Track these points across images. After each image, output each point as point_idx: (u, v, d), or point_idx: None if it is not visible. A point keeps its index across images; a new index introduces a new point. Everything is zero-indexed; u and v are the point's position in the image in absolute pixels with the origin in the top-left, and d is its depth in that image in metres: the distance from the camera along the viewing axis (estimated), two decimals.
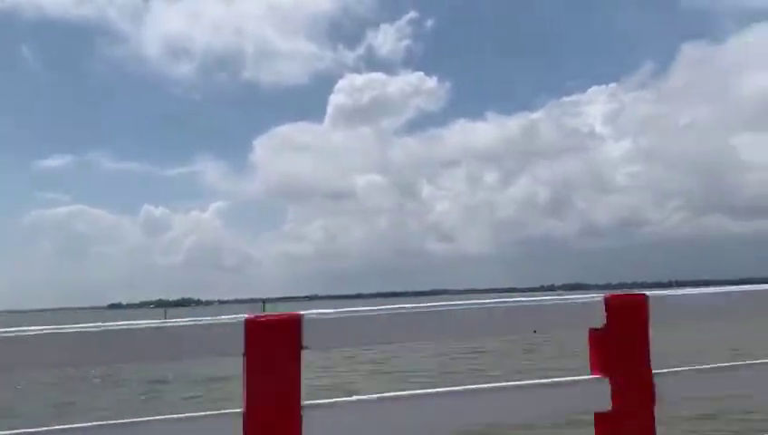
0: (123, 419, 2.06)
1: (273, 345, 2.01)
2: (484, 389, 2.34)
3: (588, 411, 2.44)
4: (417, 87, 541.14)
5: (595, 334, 2.52)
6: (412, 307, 2.26)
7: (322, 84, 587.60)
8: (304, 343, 2.03)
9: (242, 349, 2.00)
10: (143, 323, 2.17)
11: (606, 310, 2.49)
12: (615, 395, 2.43)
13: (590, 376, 2.47)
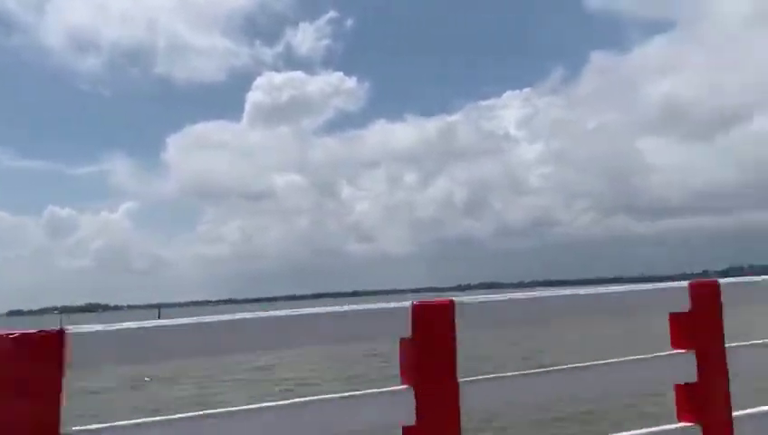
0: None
1: (27, 363, 1.77)
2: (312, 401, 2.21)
3: (394, 425, 2.31)
4: (337, 87, 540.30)
5: (403, 343, 2.45)
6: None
7: (239, 82, 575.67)
8: (69, 360, 1.80)
9: None
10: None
11: (412, 318, 2.41)
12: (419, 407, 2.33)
13: (400, 387, 2.38)
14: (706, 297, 3.09)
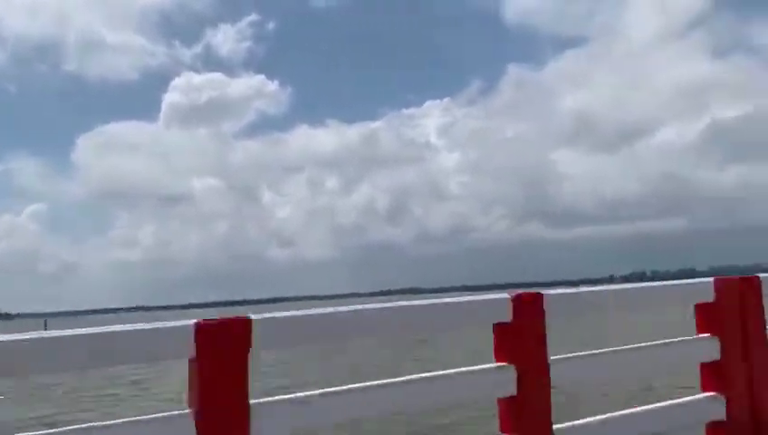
0: None
1: None
2: None
3: None
4: (259, 90, 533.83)
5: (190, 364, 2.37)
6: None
7: (155, 82, 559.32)
8: None
9: None
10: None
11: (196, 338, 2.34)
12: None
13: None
14: (529, 309, 3.06)
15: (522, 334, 3.07)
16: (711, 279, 3.12)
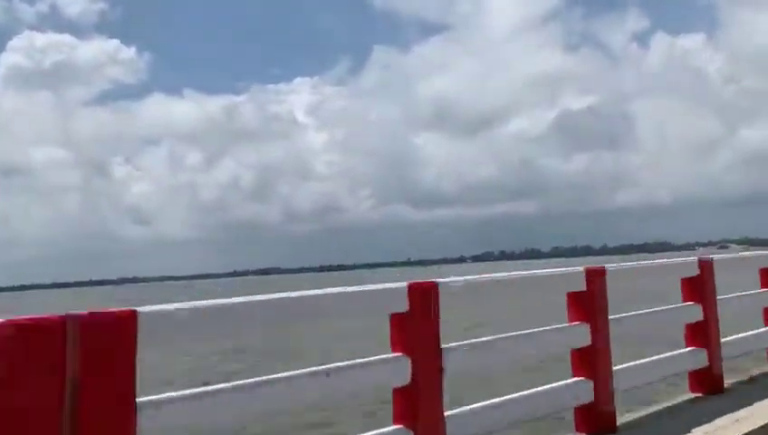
0: None
1: None
2: None
3: None
4: (113, 56, 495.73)
5: None
6: None
7: None
8: None
9: None
10: None
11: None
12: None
13: None
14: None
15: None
16: (404, 285, 3.21)
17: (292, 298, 2.82)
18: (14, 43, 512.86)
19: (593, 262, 4.80)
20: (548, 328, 3.76)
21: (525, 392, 3.54)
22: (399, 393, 3.07)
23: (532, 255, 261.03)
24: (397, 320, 3.10)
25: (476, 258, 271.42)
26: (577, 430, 3.75)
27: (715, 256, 4.92)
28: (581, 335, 3.82)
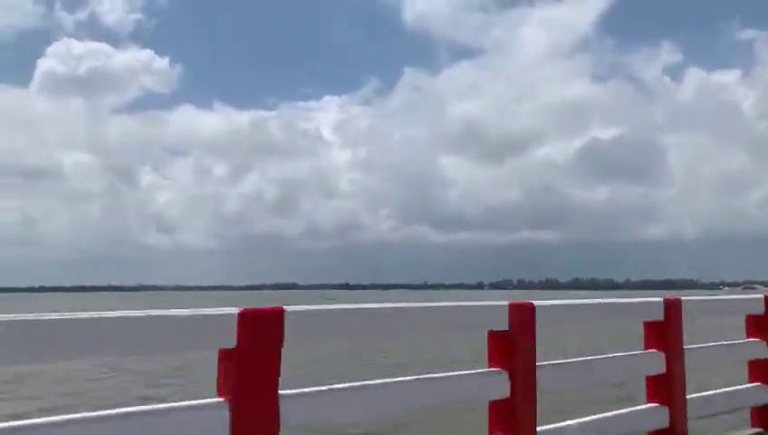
0: None
1: None
2: None
3: None
4: (147, 65, 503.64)
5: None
6: None
7: (30, 45, 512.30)
8: None
9: None
10: None
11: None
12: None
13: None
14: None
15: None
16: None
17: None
18: (53, 48, 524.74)
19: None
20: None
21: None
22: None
23: (550, 285, 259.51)
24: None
25: (494, 286, 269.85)
26: None
27: (685, 298, 4.25)
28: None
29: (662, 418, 3.88)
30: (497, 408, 3.27)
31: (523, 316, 3.33)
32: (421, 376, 3.10)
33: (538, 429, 3.31)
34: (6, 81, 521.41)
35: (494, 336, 3.32)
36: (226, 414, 2.29)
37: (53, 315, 2.03)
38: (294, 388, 2.52)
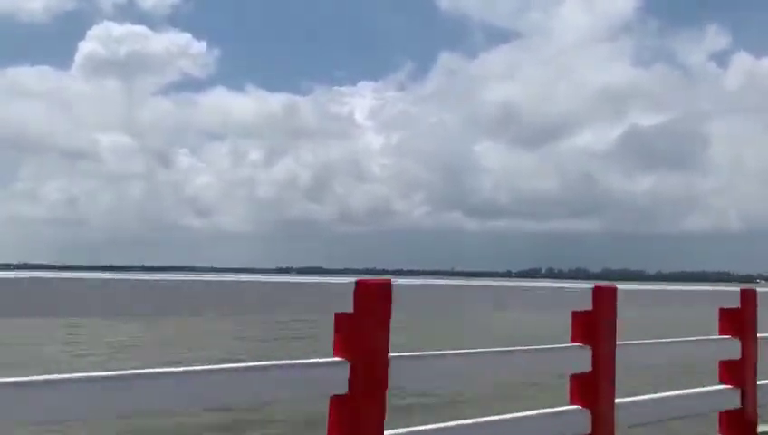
0: None
1: None
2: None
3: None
4: (184, 49, 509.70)
5: None
6: None
7: (70, 28, 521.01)
8: None
9: None
10: None
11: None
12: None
13: None
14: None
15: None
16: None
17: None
18: (93, 31, 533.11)
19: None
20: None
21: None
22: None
23: (579, 274, 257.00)
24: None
25: (522, 274, 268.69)
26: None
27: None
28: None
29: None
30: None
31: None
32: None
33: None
34: (50, 63, 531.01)
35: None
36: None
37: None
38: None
